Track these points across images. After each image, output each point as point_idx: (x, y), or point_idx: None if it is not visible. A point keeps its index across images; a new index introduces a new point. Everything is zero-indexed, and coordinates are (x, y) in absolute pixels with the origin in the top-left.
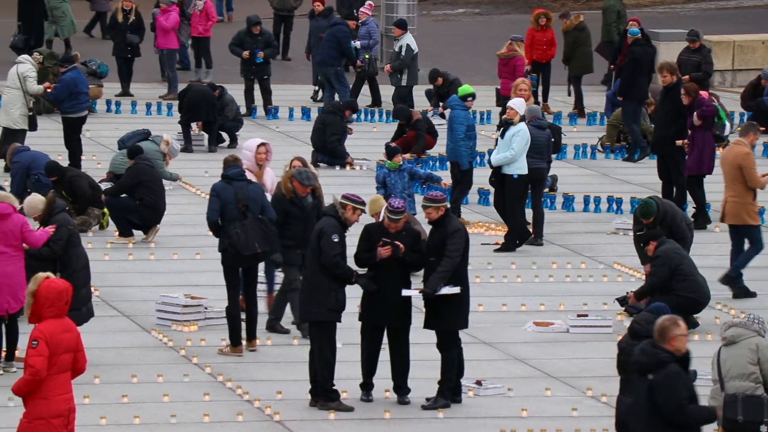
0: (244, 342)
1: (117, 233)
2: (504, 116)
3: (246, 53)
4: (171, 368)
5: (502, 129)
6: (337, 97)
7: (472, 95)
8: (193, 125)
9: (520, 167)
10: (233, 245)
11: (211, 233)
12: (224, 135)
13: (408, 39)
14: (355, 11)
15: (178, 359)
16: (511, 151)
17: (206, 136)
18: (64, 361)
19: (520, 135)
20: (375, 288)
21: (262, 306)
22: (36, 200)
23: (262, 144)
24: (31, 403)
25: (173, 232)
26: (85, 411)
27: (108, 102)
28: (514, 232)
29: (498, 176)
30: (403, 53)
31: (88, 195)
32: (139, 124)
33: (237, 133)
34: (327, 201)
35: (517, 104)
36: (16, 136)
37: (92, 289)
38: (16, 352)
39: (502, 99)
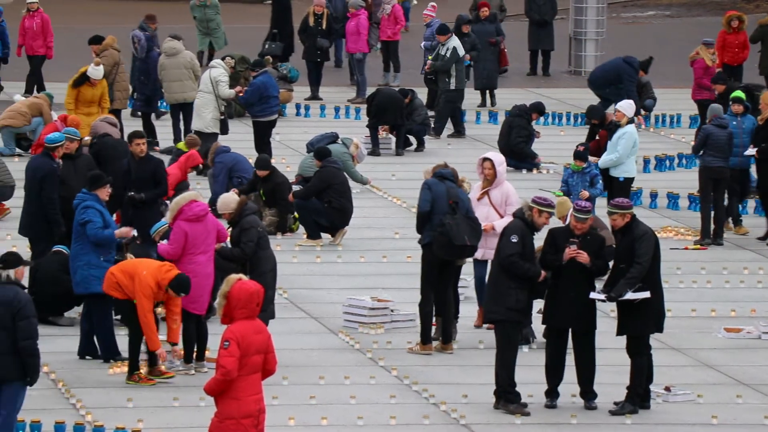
0: (436, 343)
1: (305, 236)
2: (612, 118)
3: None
4: (358, 370)
5: (609, 131)
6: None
7: None
8: (381, 129)
9: (626, 170)
10: (445, 233)
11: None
12: (412, 139)
13: (454, 42)
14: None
15: (364, 361)
16: (616, 153)
17: (394, 139)
18: (254, 362)
19: (626, 137)
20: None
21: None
22: (230, 198)
23: (488, 159)
24: (222, 403)
25: (360, 234)
26: (274, 411)
27: (297, 106)
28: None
29: (606, 179)
30: (447, 55)
31: (287, 205)
32: (327, 127)
33: (425, 137)
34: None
35: (625, 106)
36: (208, 139)
37: (282, 291)
38: (207, 352)
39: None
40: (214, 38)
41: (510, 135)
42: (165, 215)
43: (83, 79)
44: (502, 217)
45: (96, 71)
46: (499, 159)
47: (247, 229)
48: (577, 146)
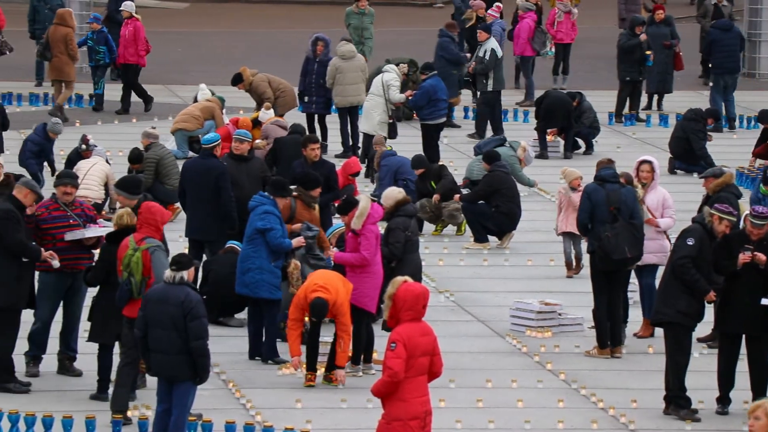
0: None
1: (472, 239)
2: None
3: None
4: (525, 374)
5: None
6: None
7: None
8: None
9: None
10: (603, 248)
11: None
12: (580, 141)
13: (492, 44)
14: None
15: (532, 365)
16: None
17: (562, 142)
18: (421, 364)
19: None
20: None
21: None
22: (393, 193)
23: (646, 162)
24: (389, 405)
25: (528, 238)
26: (441, 414)
27: (465, 109)
28: None
29: None
30: (487, 57)
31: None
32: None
33: (594, 140)
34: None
35: None
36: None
37: (449, 293)
38: (374, 354)
39: None
40: (367, 47)
41: (686, 140)
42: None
43: (257, 122)
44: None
45: (266, 114)
46: (657, 162)
47: (394, 229)
48: (765, 170)
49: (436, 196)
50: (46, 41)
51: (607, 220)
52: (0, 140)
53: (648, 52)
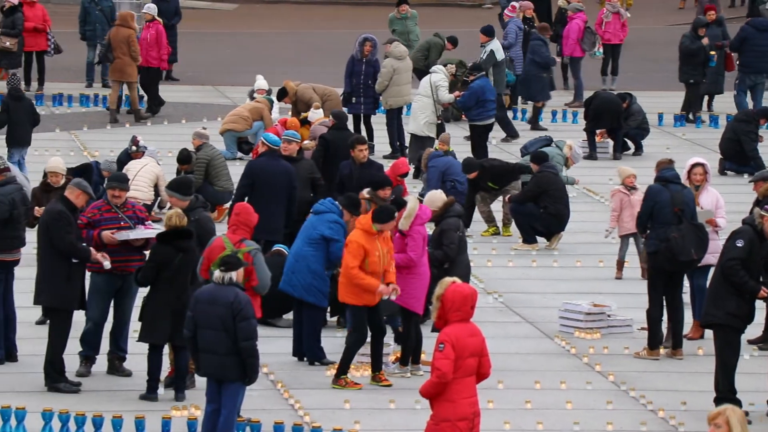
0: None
1: (521, 240)
2: None
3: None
4: (574, 375)
5: None
6: None
7: None
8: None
9: None
10: (670, 249)
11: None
12: (629, 142)
13: (494, 45)
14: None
15: (581, 366)
16: None
17: (611, 143)
18: (469, 365)
19: None
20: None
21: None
22: (437, 196)
23: (699, 164)
24: (437, 406)
25: (576, 239)
26: (489, 415)
27: (514, 110)
28: None
29: None
30: (484, 57)
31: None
32: (544, 131)
33: (642, 141)
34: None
35: None
36: (423, 143)
37: (497, 295)
38: (423, 355)
39: None
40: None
41: (737, 141)
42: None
43: (306, 121)
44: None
45: (315, 114)
46: (708, 164)
47: (447, 230)
48: None
49: (508, 197)
50: (108, 43)
51: (672, 222)
52: (28, 134)
53: (712, 53)
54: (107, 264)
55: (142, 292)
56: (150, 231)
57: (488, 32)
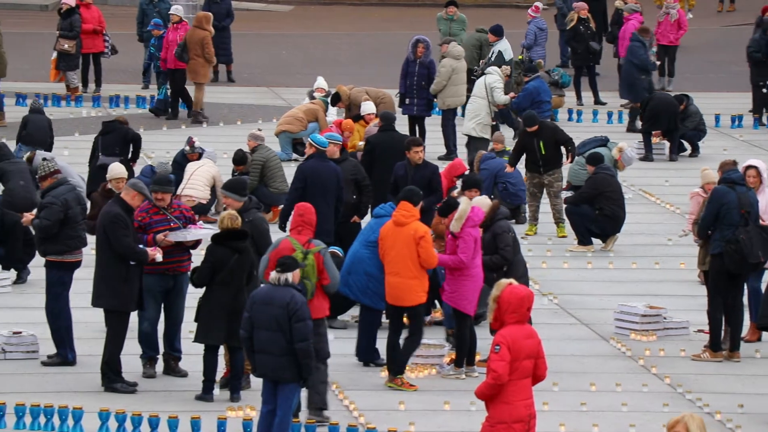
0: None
1: (576, 241)
2: None
3: None
4: (629, 377)
5: None
6: None
7: None
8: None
9: None
10: (740, 251)
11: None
12: (686, 144)
13: (502, 45)
14: None
15: (636, 369)
16: None
17: (667, 144)
18: (525, 367)
19: None
20: None
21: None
22: (484, 202)
23: (752, 167)
24: (493, 407)
25: (632, 241)
26: (545, 418)
27: (569, 111)
28: None
29: None
30: (492, 58)
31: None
32: (599, 132)
33: (699, 143)
34: None
35: None
36: (478, 144)
37: (552, 296)
38: (477, 356)
39: None
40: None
41: None
42: None
43: (360, 117)
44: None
45: (367, 106)
46: (763, 166)
47: (500, 234)
48: None
49: (567, 160)
50: (183, 43)
51: (740, 224)
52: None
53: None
54: (159, 257)
55: (195, 292)
56: (204, 231)
57: (497, 32)
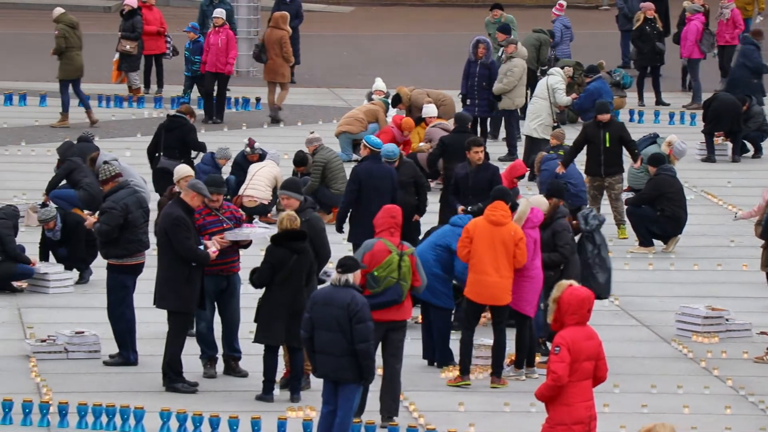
0: None
1: (637, 243)
2: None
3: None
4: (691, 379)
5: None
6: None
7: None
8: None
9: None
10: None
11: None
12: (748, 145)
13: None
14: None
15: (698, 371)
16: None
17: (730, 145)
18: (585, 369)
19: None
20: None
21: None
22: (541, 201)
23: None
24: (553, 409)
25: (694, 242)
26: (605, 419)
27: (631, 111)
28: None
29: None
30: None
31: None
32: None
33: (762, 143)
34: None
35: None
36: (539, 145)
37: (613, 298)
38: (537, 358)
39: None
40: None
41: None
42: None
43: (421, 120)
44: None
45: (428, 109)
46: None
47: (559, 231)
48: None
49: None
50: (261, 43)
51: None
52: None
53: None
54: (214, 250)
55: (254, 293)
56: (262, 231)
57: (506, 30)
